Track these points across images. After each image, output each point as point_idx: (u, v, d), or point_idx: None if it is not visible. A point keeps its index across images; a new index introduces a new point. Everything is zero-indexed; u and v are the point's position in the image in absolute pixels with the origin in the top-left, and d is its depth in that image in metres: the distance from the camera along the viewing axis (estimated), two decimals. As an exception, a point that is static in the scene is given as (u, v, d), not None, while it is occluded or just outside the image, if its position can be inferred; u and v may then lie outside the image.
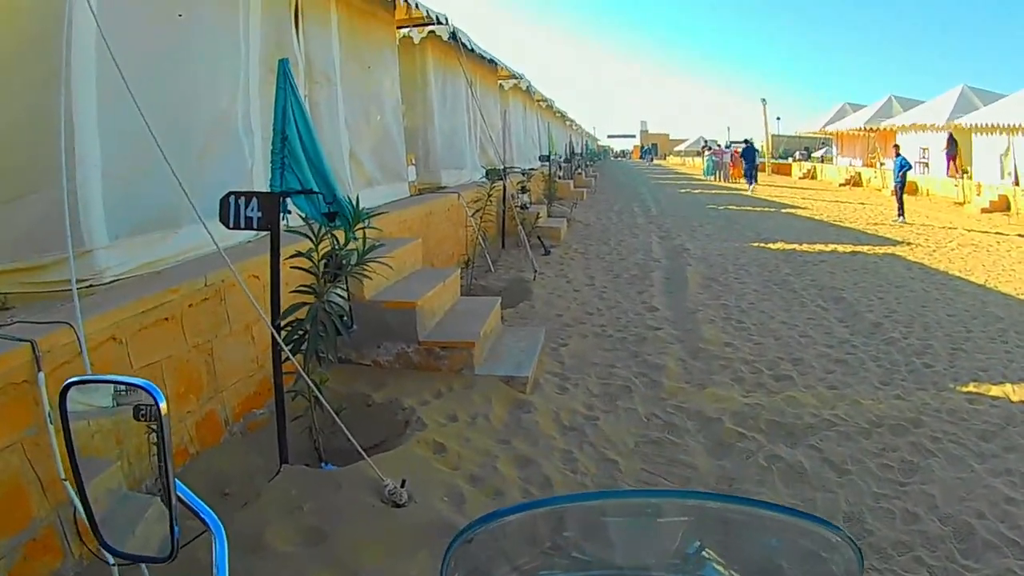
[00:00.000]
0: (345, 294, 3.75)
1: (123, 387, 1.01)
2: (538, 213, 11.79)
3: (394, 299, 4.85)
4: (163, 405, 0.94)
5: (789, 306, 7.62)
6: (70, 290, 2.75)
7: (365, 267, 3.72)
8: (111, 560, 2.40)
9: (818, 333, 6.57)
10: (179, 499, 0.99)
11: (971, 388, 5.10)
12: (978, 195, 18.31)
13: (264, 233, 3.26)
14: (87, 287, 3.28)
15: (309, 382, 3.25)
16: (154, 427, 0.97)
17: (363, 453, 3.25)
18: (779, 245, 11.67)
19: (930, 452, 4.03)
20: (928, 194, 21.51)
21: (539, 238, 10.44)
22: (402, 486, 3.15)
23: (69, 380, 1.01)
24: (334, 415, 3.22)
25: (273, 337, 3.20)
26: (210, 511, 1.01)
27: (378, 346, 4.79)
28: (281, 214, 3.15)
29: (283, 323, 3.33)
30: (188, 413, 3.47)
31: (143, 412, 0.99)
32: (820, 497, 3.56)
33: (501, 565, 0.96)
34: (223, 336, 3.75)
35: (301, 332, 3.41)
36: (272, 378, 3.35)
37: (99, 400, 1.06)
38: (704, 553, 0.99)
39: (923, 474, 3.78)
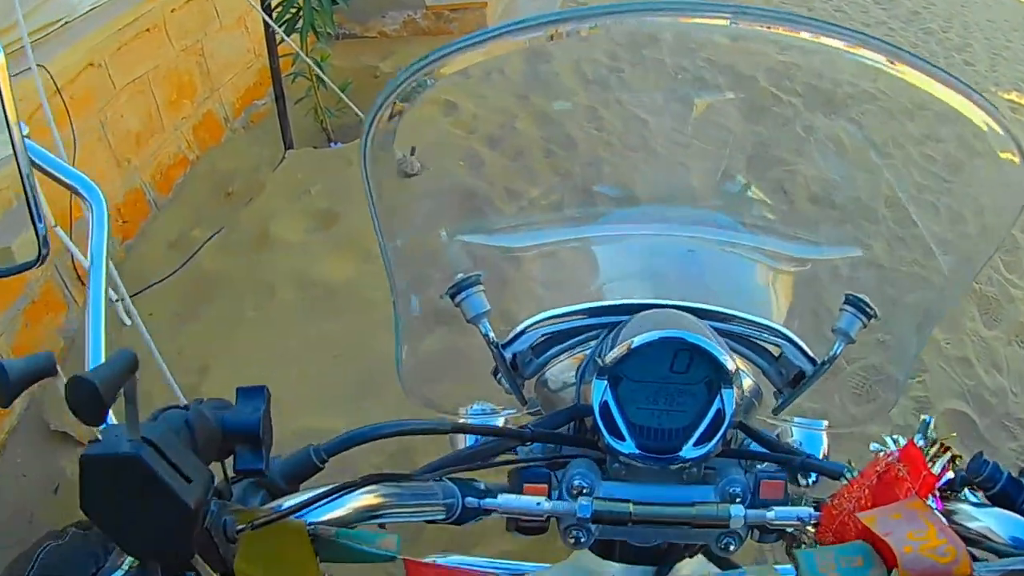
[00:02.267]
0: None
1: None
2: None
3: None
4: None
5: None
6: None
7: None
8: (113, 297, 2.31)
9: (854, 10, 6.14)
10: (45, 173, 0.79)
11: (1013, 96, 4.79)
12: None
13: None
14: (62, 25, 2.90)
15: (308, 61, 2.81)
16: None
17: (367, 120, 2.88)
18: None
19: (974, 151, 3.78)
20: None
21: None
22: (412, 154, 2.93)
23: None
24: (339, 92, 2.78)
25: (264, 21, 2.92)
26: (83, 177, 0.81)
27: (383, 16, 4.57)
28: None
29: (273, 2, 3.03)
30: (183, 119, 3.34)
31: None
32: (861, 177, 3.36)
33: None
34: (213, 33, 3.53)
35: (294, 10, 3.12)
36: (270, 64, 3.10)
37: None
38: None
39: (967, 175, 3.51)
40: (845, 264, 0.99)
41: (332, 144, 3.42)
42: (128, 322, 2.58)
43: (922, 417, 0.65)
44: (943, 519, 0.56)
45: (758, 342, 0.88)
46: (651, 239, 1.01)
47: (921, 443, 0.62)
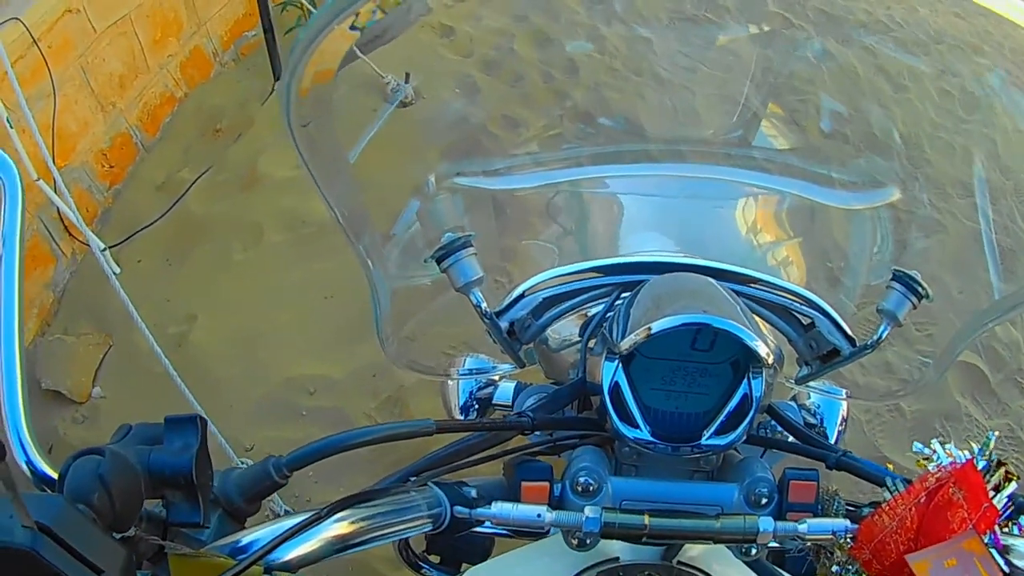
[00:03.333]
0: None
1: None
2: None
3: None
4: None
5: None
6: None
7: None
8: (101, 246, 2.28)
9: None
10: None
11: None
12: None
13: None
14: None
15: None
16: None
17: (358, 52, 2.72)
18: None
19: (992, 89, 3.55)
20: None
21: None
22: (406, 82, 2.86)
23: None
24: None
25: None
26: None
27: None
28: None
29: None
30: (169, 58, 3.18)
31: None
32: (875, 111, 3.22)
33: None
34: None
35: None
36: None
37: None
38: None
39: (984, 114, 3.28)
40: (888, 214, 0.88)
41: (330, 79, 3.31)
42: (117, 269, 2.54)
43: (987, 434, 0.57)
44: (1003, 564, 0.50)
45: (790, 310, 0.78)
46: (665, 181, 0.92)
47: (982, 465, 0.54)
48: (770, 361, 0.59)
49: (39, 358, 2.28)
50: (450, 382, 1.01)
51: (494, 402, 0.98)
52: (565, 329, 0.83)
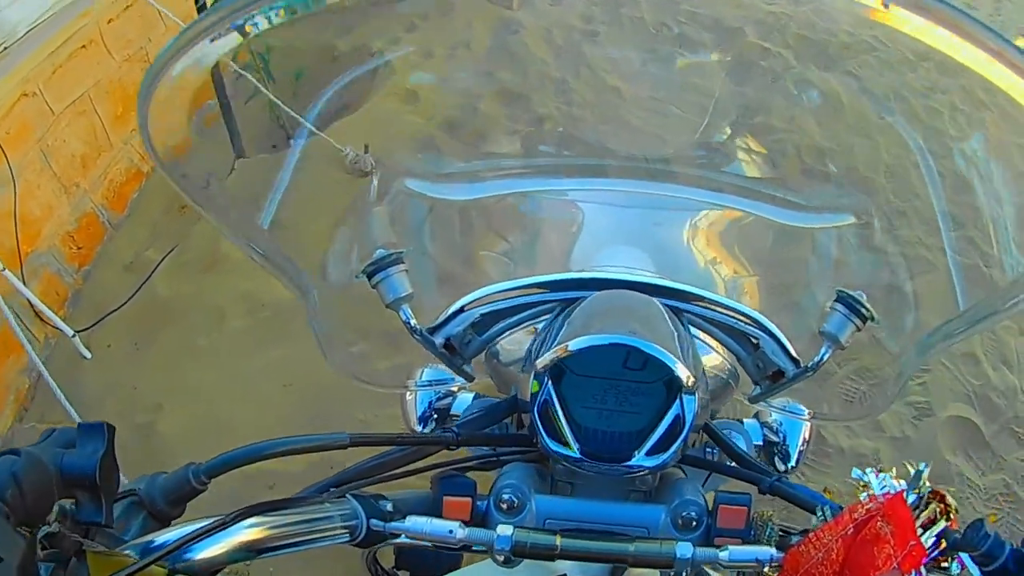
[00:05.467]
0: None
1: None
2: None
3: None
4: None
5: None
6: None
7: None
8: (71, 332, 2.38)
9: None
10: None
11: (1020, 43, 4.25)
12: None
13: None
14: (2, 51, 2.71)
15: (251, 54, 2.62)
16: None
17: (310, 126, 2.59)
18: None
19: (982, 104, 3.42)
20: None
21: None
22: (365, 151, 2.84)
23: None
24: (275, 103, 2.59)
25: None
26: None
27: None
28: None
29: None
30: (132, 133, 3.11)
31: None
32: (859, 144, 3.11)
33: None
34: (159, 37, 3.30)
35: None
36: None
37: None
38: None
39: (976, 129, 3.16)
40: (839, 239, 0.87)
41: (293, 142, 3.25)
42: (88, 355, 2.54)
43: (913, 466, 0.53)
44: None
45: (735, 329, 0.77)
46: (618, 197, 0.91)
47: (912, 499, 0.51)
48: (691, 383, 0.58)
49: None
50: (408, 394, 1.01)
51: (451, 413, 0.98)
52: (517, 343, 0.82)
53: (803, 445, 1.01)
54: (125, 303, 2.70)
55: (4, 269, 2.21)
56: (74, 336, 2.51)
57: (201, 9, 2.80)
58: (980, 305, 0.74)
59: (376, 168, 2.81)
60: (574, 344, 0.58)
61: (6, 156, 2.46)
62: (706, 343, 0.79)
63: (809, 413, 0.94)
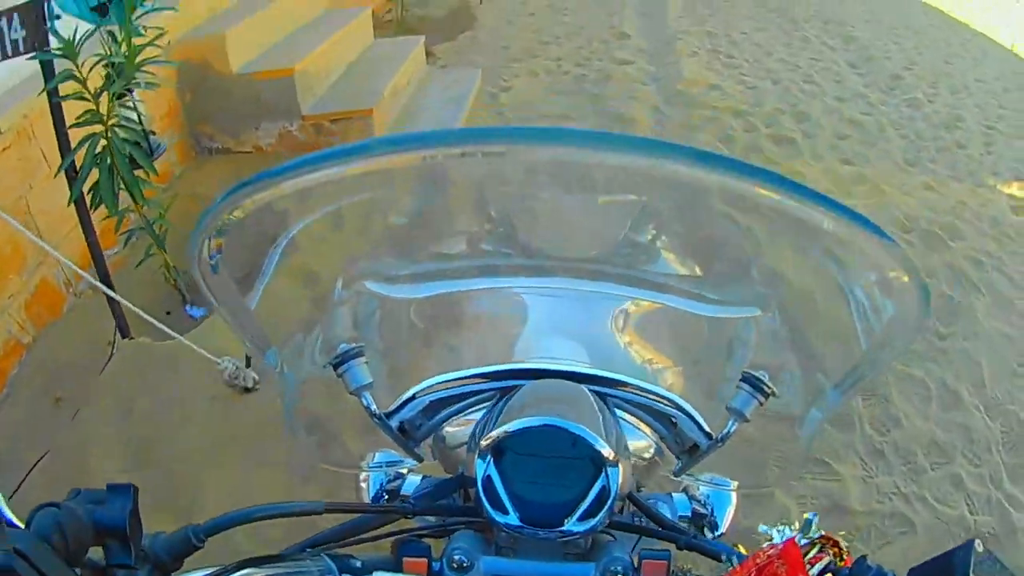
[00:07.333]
0: (135, 112, 2.64)
1: None
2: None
3: (267, 68, 3.91)
4: None
5: (790, 40, 6.35)
6: None
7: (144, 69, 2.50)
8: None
9: (826, 80, 5.39)
10: None
11: (1014, 189, 4.20)
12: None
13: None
14: None
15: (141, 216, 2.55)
16: None
17: (177, 336, 2.45)
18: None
19: (973, 285, 3.30)
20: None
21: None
22: (247, 365, 2.47)
23: None
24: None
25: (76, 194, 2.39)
26: None
27: (256, 128, 3.96)
28: (48, 23, 2.20)
29: (69, 168, 2.41)
30: (11, 298, 2.65)
31: None
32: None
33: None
34: (41, 181, 2.79)
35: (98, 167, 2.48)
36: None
37: None
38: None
39: (965, 322, 3.05)
40: (746, 327, 0.96)
41: (188, 308, 2.93)
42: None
43: (805, 515, 0.63)
44: None
45: (655, 409, 0.87)
46: (552, 293, 1.00)
47: (804, 543, 0.61)
48: (613, 458, 0.66)
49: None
50: (362, 475, 1.08)
51: (401, 493, 1.03)
52: (460, 429, 0.89)
53: (730, 515, 1.10)
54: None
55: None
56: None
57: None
58: (870, 349, 0.83)
59: (258, 385, 2.50)
60: (511, 426, 0.67)
61: None
62: (631, 423, 0.88)
63: (735, 485, 1.04)
